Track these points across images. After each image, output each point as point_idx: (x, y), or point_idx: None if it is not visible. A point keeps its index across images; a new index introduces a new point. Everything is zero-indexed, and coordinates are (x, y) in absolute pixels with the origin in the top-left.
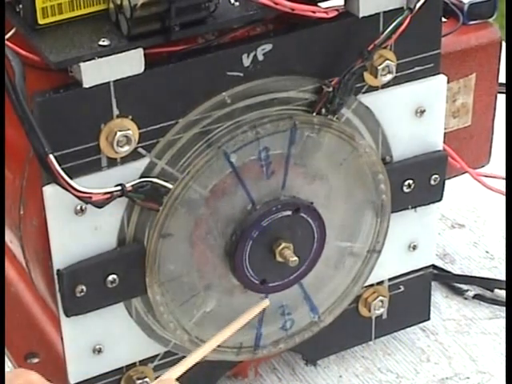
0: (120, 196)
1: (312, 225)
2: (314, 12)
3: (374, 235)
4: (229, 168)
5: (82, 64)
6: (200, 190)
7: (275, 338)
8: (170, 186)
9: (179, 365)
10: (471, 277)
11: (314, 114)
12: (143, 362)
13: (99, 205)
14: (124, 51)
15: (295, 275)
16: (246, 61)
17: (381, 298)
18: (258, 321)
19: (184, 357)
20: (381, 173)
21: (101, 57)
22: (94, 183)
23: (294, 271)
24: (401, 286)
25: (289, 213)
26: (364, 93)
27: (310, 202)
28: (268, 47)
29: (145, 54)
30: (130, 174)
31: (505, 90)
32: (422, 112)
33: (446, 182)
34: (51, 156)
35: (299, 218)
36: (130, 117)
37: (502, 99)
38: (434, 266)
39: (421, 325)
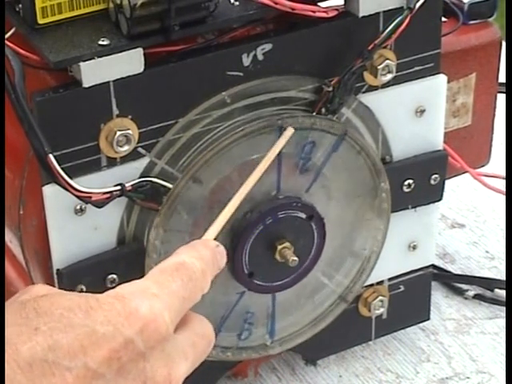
0: (120, 196)
1: (315, 239)
2: (313, 12)
3: (355, 279)
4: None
5: (81, 64)
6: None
7: (226, 343)
8: (169, 185)
9: (212, 226)
10: (471, 277)
11: (314, 114)
12: None
13: (99, 204)
14: (124, 51)
15: (278, 283)
16: (246, 60)
17: (381, 297)
18: (220, 318)
19: None
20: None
21: (100, 56)
22: (94, 183)
23: (278, 279)
24: (401, 286)
25: (303, 216)
26: (364, 92)
27: (322, 217)
28: (268, 47)
29: (144, 54)
30: (129, 173)
31: (505, 90)
32: (422, 112)
33: (446, 181)
34: (51, 156)
35: (308, 227)
36: (130, 116)
37: (502, 99)
38: (433, 266)
39: (421, 325)
